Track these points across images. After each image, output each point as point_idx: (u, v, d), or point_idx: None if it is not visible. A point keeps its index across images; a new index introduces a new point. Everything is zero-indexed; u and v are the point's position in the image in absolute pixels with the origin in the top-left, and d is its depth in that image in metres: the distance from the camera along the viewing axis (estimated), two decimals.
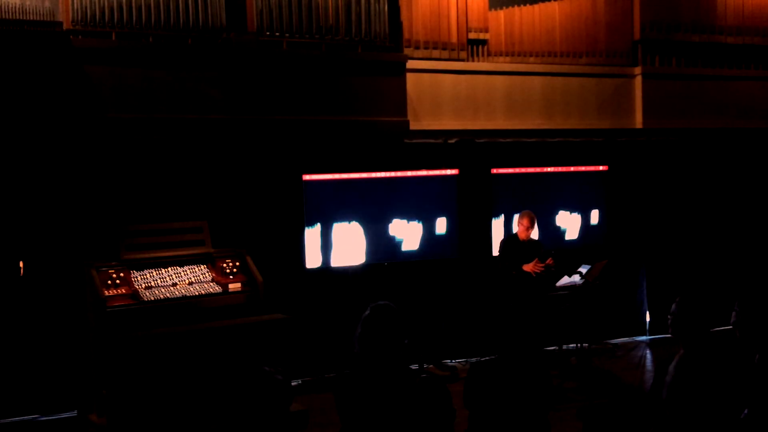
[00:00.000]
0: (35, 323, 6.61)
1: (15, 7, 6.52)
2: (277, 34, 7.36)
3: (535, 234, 7.77)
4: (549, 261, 7.40)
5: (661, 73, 9.25)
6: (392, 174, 7.92)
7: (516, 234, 7.67)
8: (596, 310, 8.19)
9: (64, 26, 6.69)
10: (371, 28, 7.69)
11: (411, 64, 7.98)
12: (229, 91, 7.20)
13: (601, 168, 8.93)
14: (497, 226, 8.40)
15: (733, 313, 3.88)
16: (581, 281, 7.44)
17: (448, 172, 8.16)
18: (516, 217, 7.86)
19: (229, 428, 5.54)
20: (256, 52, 7.28)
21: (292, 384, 6.87)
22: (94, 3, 6.70)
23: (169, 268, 6.44)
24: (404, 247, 7.94)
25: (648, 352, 8.72)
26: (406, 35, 8.15)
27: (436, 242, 8.08)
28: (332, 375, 7.44)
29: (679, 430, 3.79)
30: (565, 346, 8.01)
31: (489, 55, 8.66)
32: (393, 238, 7.89)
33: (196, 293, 6.31)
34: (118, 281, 6.13)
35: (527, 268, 7.40)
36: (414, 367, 7.37)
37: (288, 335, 6.30)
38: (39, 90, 6.51)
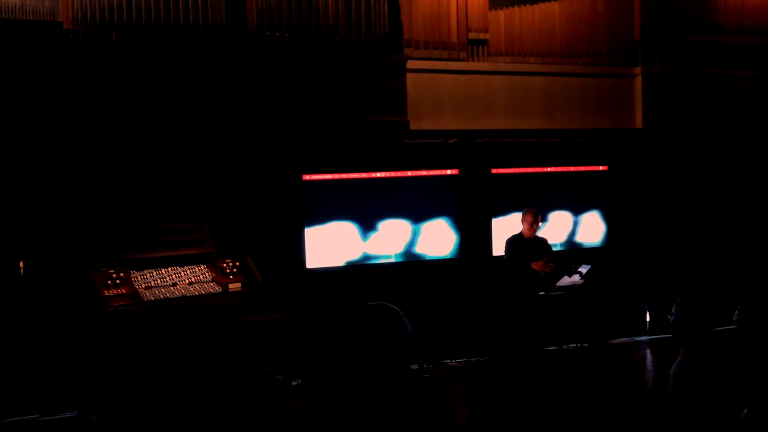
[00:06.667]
0: (35, 323, 6.61)
1: (15, 7, 6.52)
2: (277, 34, 7.36)
3: (540, 231, 7.76)
4: (567, 262, 7.42)
5: (661, 73, 9.25)
6: (392, 174, 7.92)
7: (521, 232, 7.67)
8: (596, 310, 8.19)
9: (64, 26, 6.69)
10: (371, 28, 7.69)
11: (411, 64, 7.98)
12: (229, 91, 7.19)
13: (601, 168, 8.94)
14: (497, 225, 8.40)
15: (736, 312, 3.88)
16: (581, 281, 7.44)
17: (448, 172, 8.17)
18: (519, 215, 7.86)
19: (228, 428, 5.54)
20: (256, 52, 7.28)
21: (292, 384, 6.87)
22: (94, 3, 6.70)
23: (169, 268, 6.45)
24: (404, 247, 7.94)
25: (648, 352, 8.72)
26: (406, 35, 8.14)
27: (436, 242, 8.09)
28: (332, 375, 7.44)
29: (680, 431, 3.79)
30: (565, 346, 8.01)
31: (489, 55, 8.66)
32: (393, 238, 7.89)
33: (196, 293, 6.31)
34: (118, 281, 6.13)
35: (536, 266, 7.38)
36: (414, 367, 7.37)
37: (288, 335, 6.31)
38: (39, 90, 6.51)
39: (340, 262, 7.64)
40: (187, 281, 6.42)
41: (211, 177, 7.32)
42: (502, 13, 8.73)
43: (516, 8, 8.80)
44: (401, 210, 7.92)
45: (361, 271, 7.71)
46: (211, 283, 6.47)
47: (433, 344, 8.06)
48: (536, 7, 8.85)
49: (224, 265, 6.58)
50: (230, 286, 6.43)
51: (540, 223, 7.67)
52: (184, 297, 6.23)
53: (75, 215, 6.77)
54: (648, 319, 9.28)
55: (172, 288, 6.30)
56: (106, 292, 5.98)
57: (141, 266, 6.34)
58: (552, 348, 7.93)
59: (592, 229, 8.87)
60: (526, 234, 7.60)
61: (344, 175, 7.73)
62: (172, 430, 5.78)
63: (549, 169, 8.70)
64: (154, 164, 7.11)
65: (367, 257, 7.78)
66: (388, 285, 7.61)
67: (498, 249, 8.20)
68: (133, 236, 6.45)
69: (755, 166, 9.75)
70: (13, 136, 6.52)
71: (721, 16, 9.46)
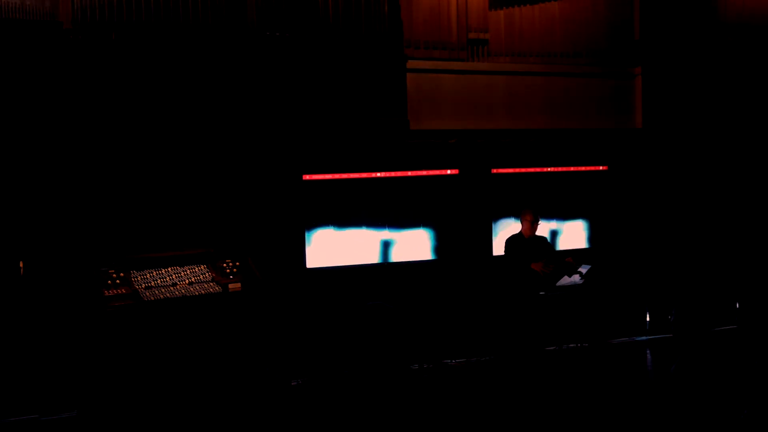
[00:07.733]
0: (35, 323, 6.62)
1: (15, 7, 6.52)
2: (277, 33, 7.36)
3: (540, 230, 7.76)
4: (569, 259, 7.42)
5: (661, 73, 9.25)
6: (392, 174, 7.93)
7: (521, 232, 7.66)
8: (596, 310, 8.19)
9: (64, 26, 6.69)
10: (371, 28, 7.70)
11: (411, 64, 7.98)
12: (229, 90, 7.20)
13: (601, 168, 8.94)
14: (497, 226, 8.40)
15: (736, 312, 3.89)
16: (581, 281, 7.44)
17: (448, 172, 8.17)
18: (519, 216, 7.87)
19: (228, 427, 5.54)
20: (256, 51, 7.28)
21: (292, 384, 6.87)
22: (95, 2, 6.70)
23: (169, 268, 6.45)
24: (404, 247, 7.94)
25: (648, 352, 8.72)
26: (406, 35, 8.15)
27: (436, 242, 8.09)
28: (333, 375, 7.44)
29: (680, 430, 3.80)
30: (565, 346, 8.01)
31: (489, 55, 8.67)
32: (393, 238, 7.89)
33: (196, 293, 6.31)
34: (118, 281, 6.14)
35: (536, 267, 7.38)
36: (414, 367, 7.37)
37: (288, 335, 6.31)
38: (39, 89, 6.52)
39: (339, 262, 7.64)
40: (187, 281, 6.42)
41: (211, 177, 7.33)
42: (502, 13, 8.74)
43: (516, 8, 8.80)
44: (401, 210, 7.92)
45: (360, 271, 7.71)
46: (211, 283, 6.48)
47: (433, 344, 8.06)
48: (536, 7, 8.85)
49: (224, 265, 6.58)
50: (230, 286, 6.44)
51: (539, 222, 7.67)
52: (184, 297, 6.23)
53: (75, 215, 6.78)
54: (648, 319, 9.28)
55: (172, 288, 6.31)
56: (106, 292, 5.99)
57: (141, 266, 6.35)
58: (552, 348, 7.93)
59: (592, 228, 8.87)
60: (526, 233, 7.59)
61: (344, 175, 7.74)
62: (171, 429, 5.79)
63: (549, 169, 8.70)
64: (154, 164, 7.11)
65: (366, 257, 7.77)
66: (388, 285, 7.61)
67: (498, 249, 8.20)
68: (133, 236, 6.46)
69: (755, 166, 9.76)
70: (13, 137, 6.53)
71: (721, 16, 9.47)
